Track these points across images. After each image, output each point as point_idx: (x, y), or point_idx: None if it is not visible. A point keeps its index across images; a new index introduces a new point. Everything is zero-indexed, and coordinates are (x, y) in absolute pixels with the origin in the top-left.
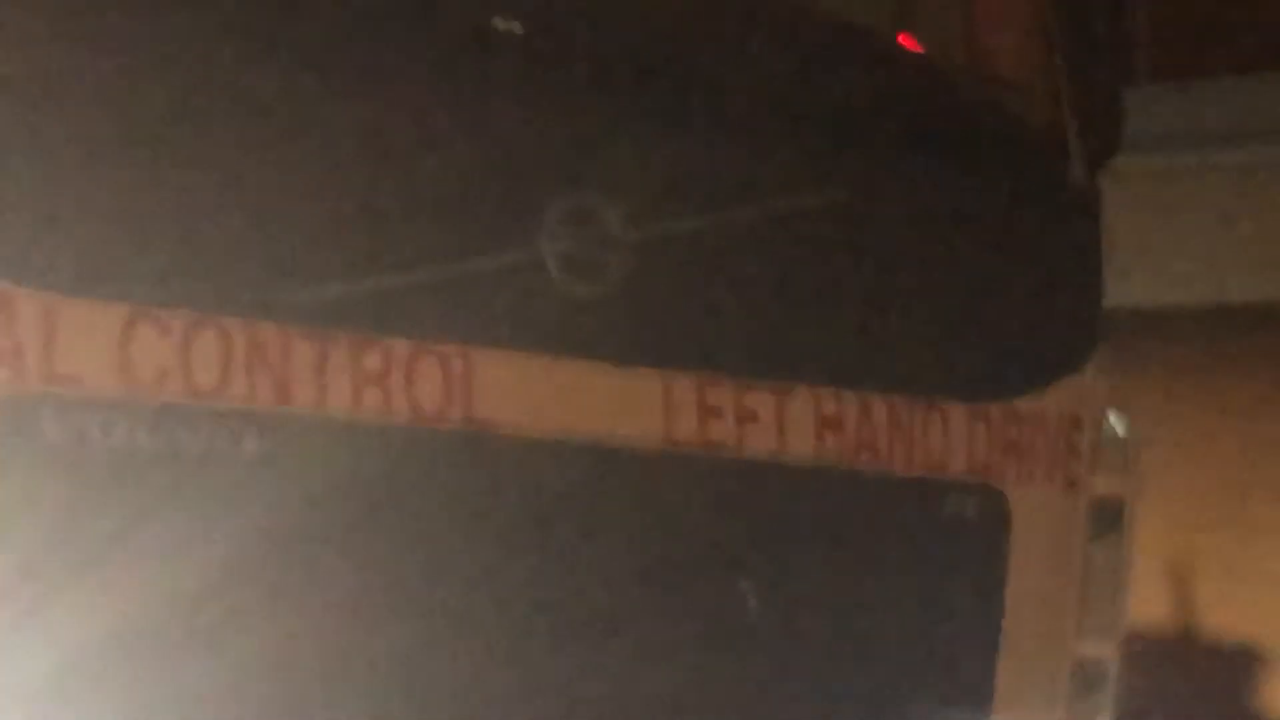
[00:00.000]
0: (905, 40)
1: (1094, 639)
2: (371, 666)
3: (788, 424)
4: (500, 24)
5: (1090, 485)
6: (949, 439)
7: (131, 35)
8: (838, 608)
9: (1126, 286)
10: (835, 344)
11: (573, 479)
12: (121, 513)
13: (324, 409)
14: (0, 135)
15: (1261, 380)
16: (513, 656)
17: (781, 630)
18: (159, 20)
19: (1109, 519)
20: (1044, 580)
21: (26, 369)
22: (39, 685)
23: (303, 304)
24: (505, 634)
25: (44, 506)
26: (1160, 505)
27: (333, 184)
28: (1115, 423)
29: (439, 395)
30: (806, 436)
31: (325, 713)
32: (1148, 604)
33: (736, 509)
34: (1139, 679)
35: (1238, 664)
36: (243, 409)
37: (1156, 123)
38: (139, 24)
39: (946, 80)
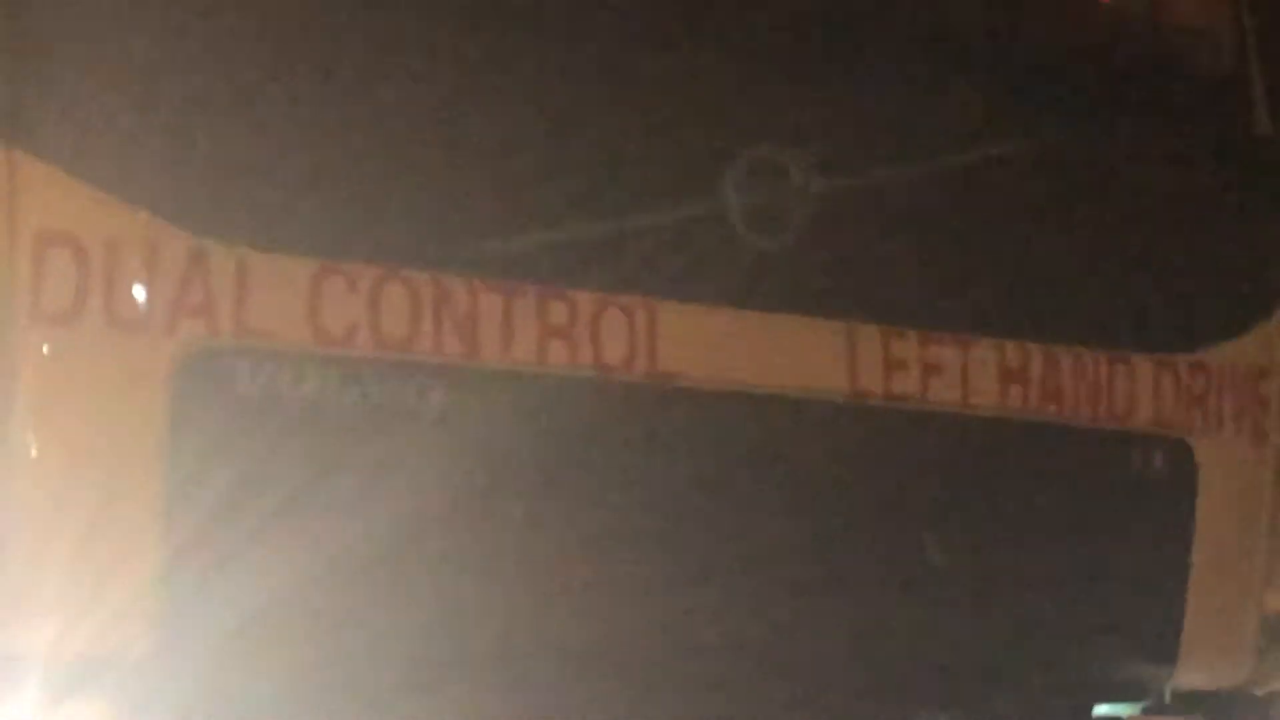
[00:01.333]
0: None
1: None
2: (551, 611)
3: (972, 375)
4: None
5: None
6: (1135, 391)
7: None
8: (1022, 559)
9: None
10: (1020, 295)
11: (757, 430)
12: (311, 462)
13: (509, 361)
14: (199, 98)
15: None
16: (693, 603)
17: (965, 581)
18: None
19: None
20: (1232, 533)
21: (220, 323)
22: (231, 625)
23: (489, 257)
24: (687, 580)
25: (237, 455)
26: None
27: (520, 140)
28: None
29: (623, 347)
30: (991, 388)
31: (512, 653)
32: None
33: (921, 460)
34: None
35: None
36: (430, 361)
37: None
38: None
39: (1134, 30)
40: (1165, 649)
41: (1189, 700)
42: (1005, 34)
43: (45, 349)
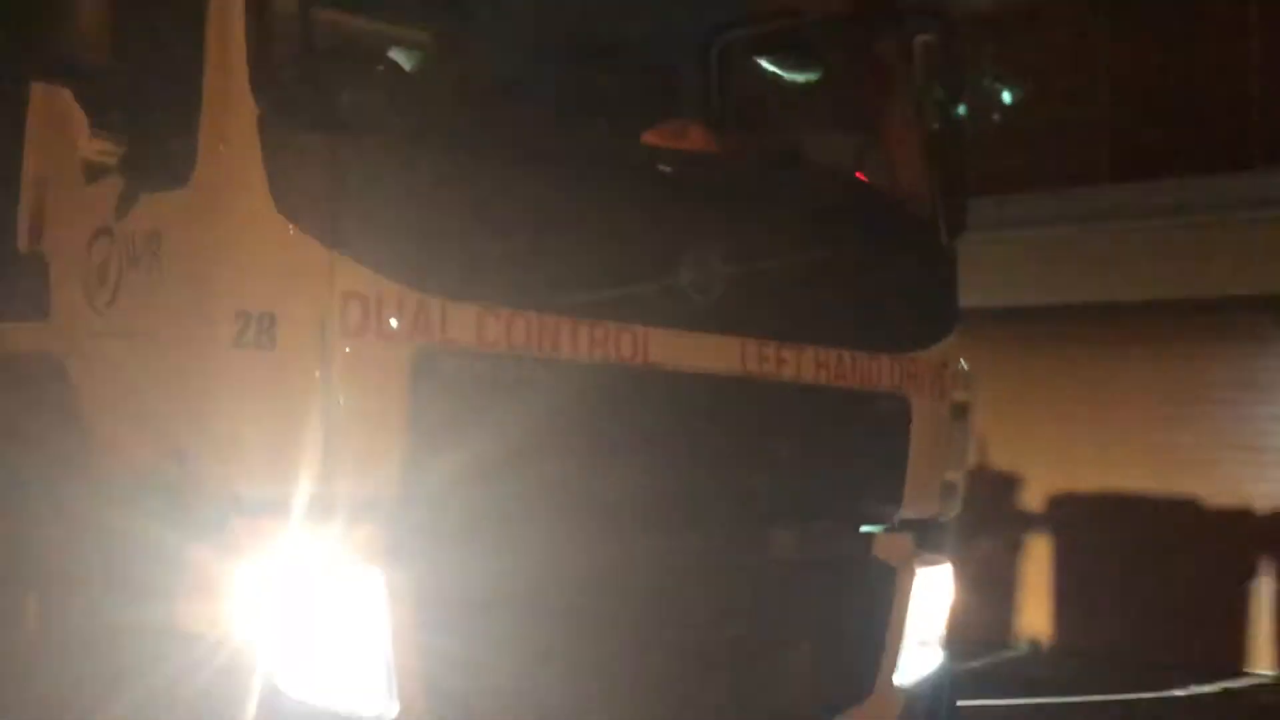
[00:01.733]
0: (860, 176)
1: (951, 470)
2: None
3: (802, 363)
4: (663, 169)
5: (951, 396)
6: (883, 371)
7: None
8: (825, 452)
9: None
10: (828, 325)
11: (696, 390)
12: (478, 403)
13: (576, 356)
14: (424, 231)
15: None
16: (672, 485)
17: (794, 464)
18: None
19: (960, 409)
20: (929, 438)
21: (432, 336)
22: (436, 482)
23: (573, 301)
24: (669, 467)
25: (442, 400)
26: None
27: (584, 242)
28: (963, 364)
29: (631, 349)
30: (812, 370)
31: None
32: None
33: (774, 404)
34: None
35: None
36: (535, 356)
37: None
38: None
39: (879, 195)
40: (895, 499)
41: (907, 523)
42: (826, 200)
43: (347, 349)
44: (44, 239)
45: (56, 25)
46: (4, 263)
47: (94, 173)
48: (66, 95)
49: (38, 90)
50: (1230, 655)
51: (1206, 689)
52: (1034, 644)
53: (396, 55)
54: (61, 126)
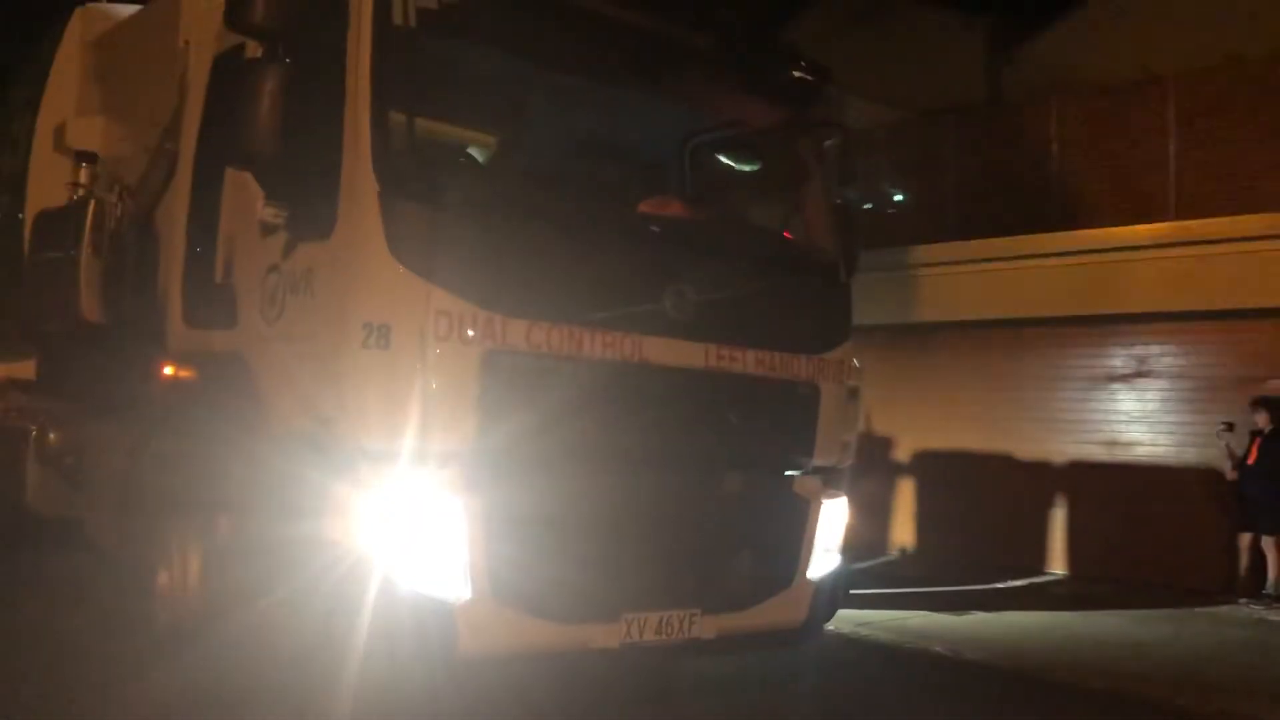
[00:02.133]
0: (786, 234)
1: (847, 433)
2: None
3: (748, 360)
4: (654, 228)
5: (847, 383)
6: (801, 367)
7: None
8: (760, 420)
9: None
10: (764, 334)
11: (676, 379)
12: (529, 387)
13: (593, 355)
14: (488, 263)
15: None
16: (658, 443)
17: (739, 428)
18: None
19: (853, 392)
20: (832, 411)
21: (496, 342)
22: (504, 438)
23: (591, 318)
24: (656, 431)
25: (503, 387)
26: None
27: (598, 277)
28: (855, 362)
29: (632, 350)
30: (753, 365)
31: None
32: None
33: (727, 386)
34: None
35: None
36: (566, 355)
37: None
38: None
39: (799, 247)
40: (809, 453)
41: (816, 469)
42: (759, 252)
43: (438, 350)
44: (233, 274)
45: (242, 130)
46: (209, 291)
47: (267, 229)
48: (249, 177)
49: (230, 174)
50: (1034, 560)
51: (1017, 583)
52: (901, 551)
53: (472, 151)
54: (245, 198)
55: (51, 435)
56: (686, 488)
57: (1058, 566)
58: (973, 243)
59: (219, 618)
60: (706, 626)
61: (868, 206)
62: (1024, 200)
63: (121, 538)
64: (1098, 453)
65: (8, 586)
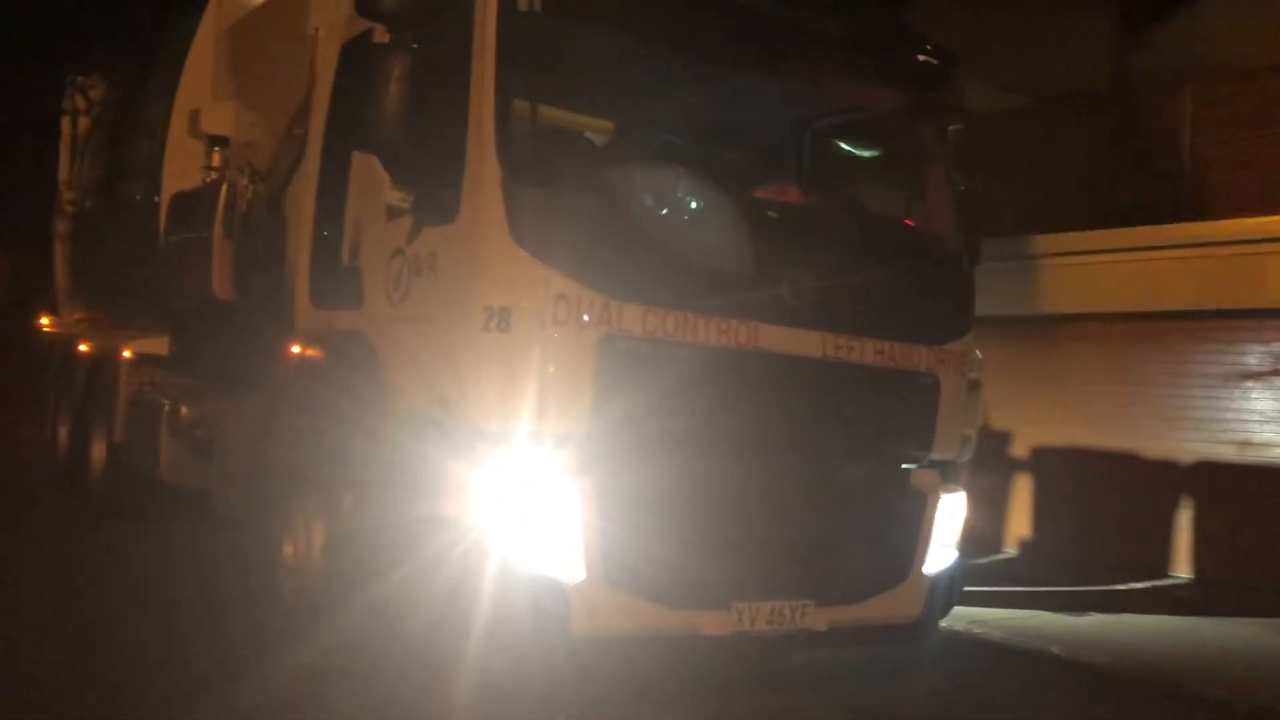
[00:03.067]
0: (908, 222)
1: (967, 427)
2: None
3: (867, 350)
4: (771, 214)
5: (968, 375)
6: (922, 357)
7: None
8: (885, 411)
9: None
10: (883, 324)
11: (795, 367)
12: (641, 373)
13: (708, 341)
14: (606, 260)
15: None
16: (773, 431)
17: (864, 420)
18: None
19: (974, 385)
20: (952, 404)
21: (611, 327)
22: (613, 422)
23: (707, 304)
24: (771, 418)
25: (618, 370)
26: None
27: (715, 263)
28: (977, 353)
29: (748, 337)
30: (872, 355)
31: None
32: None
33: (846, 379)
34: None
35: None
36: (681, 341)
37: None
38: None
39: (920, 234)
40: (927, 446)
41: (934, 463)
42: (885, 239)
43: (556, 334)
44: (359, 256)
45: (369, 115)
46: (335, 272)
47: (393, 213)
48: (375, 161)
49: (357, 158)
50: (1157, 562)
51: (1139, 585)
52: (1017, 549)
53: (592, 136)
54: (372, 183)
55: (183, 409)
56: (801, 477)
57: (1182, 569)
58: (1100, 232)
59: (343, 591)
60: (819, 618)
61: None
62: (1154, 189)
63: (249, 510)
64: (1229, 453)
65: (139, 557)
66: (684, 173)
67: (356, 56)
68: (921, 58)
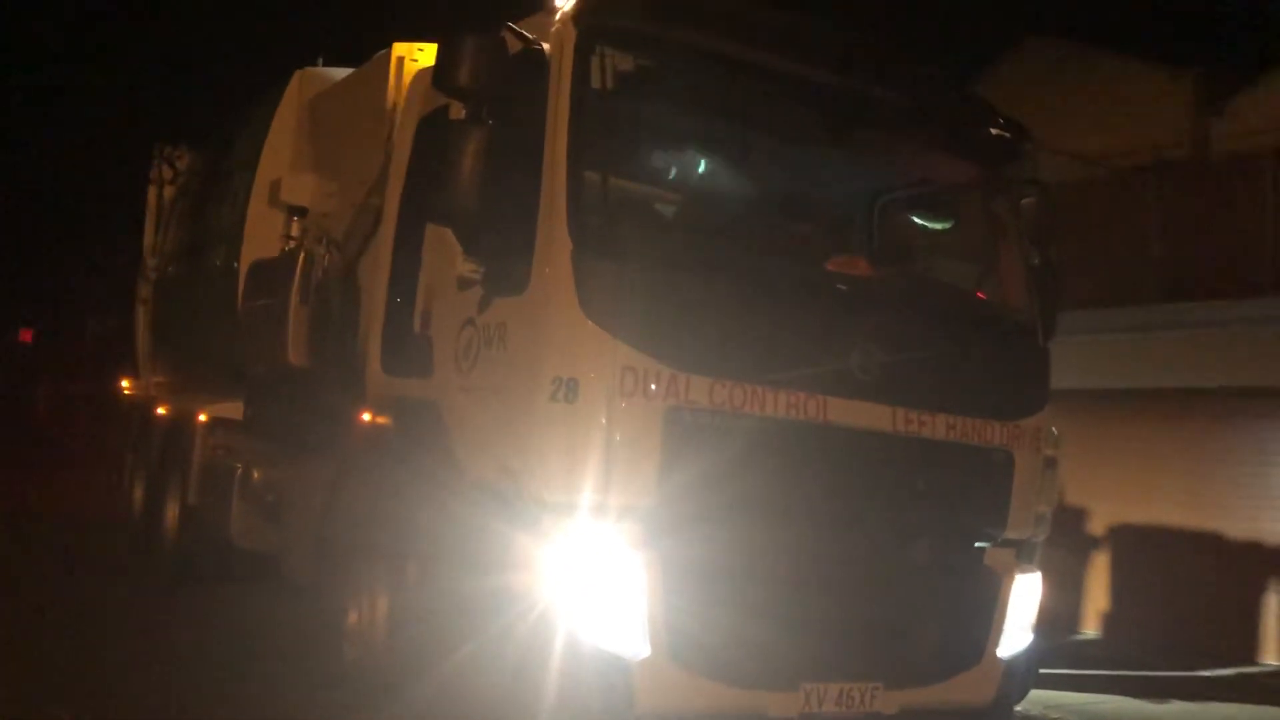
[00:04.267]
0: (980, 294)
1: (1042, 505)
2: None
3: (938, 425)
4: (841, 287)
5: (1044, 451)
6: (994, 432)
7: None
8: (955, 490)
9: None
10: (956, 398)
11: (865, 441)
12: (708, 444)
13: (776, 414)
14: (670, 334)
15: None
16: (842, 506)
17: (931, 500)
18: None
19: (1050, 462)
20: (1027, 481)
21: (679, 399)
22: (678, 488)
23: (776, 377)
24: (840, 493)
25: (684, 443)
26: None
27: (784, 335)
28: (1053, 429)
29: (816, 411)
30: (944, 430)
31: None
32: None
33: (917, 454)
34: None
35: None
36: (749, 414)
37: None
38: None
39: (993, 308)
40: (1001, 524)
41: (1009, 541)
42: (956, 314)
43: (623, 405)
44: (431, 325)
45: (444, 187)
46: (407, 341)
47: (464, 284)
48: (448, 233)
49: (431, 230)
50: (1245, 648)
51: (1225, 672)
52: (1097, 630)
53: (661, 208)
54: (444, 254)
55: (255, 474)
56: (871, 555)
57: (1271, 656)
58: (1179, 305)
59: (406, 663)
60: (889, 701)
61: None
62: (1236, 262)
63: (315, 576)
64: None
65: (207, 622)
66: (753, 245)
67: (432, 130)
68: (994, 130)
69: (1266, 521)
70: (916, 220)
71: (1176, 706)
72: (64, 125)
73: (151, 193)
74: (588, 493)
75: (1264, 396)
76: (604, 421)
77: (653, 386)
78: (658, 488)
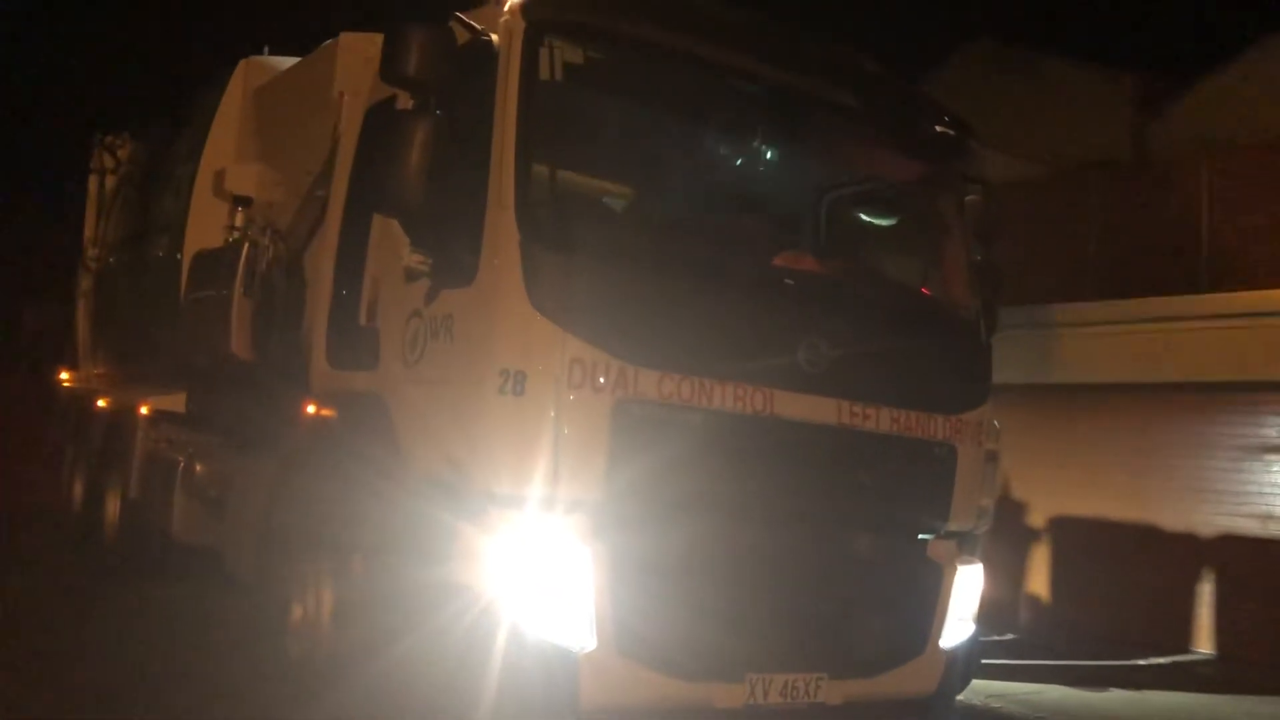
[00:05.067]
0: (925, 290)
1: (984, 498)
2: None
3: (883, 418)
4: (788, 281)
5: (985, 445)
6: (938, 426)
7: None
8: (900, 479)
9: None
10: (899, 392)
11: (810, 434)
12: (655, 437)
13: (723, 407)
14: (623, 327)
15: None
16: (786, 499)
17: (874, 491)
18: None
19: (991, 455)
20: (968, 474)
21: (627, 392)
22: (627, 482)
23: (723, 370)
24: (784, 486)
25: (632, 436)
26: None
27: (731, 329)
28: (995, 423)
29: (763, 404)
30: (887, 423)
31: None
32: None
33: (860, 447)
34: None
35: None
36: (696, 407)
37: None
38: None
39: (937, 303)
40: (943, 516)
41: (951, 533)
42: (904, 307)
43: (571, 397)
44: (377, 318)
45: (391, 178)
46: (352, 333)
47: (411, 275)
48: (395, 224)
49: (377, 221)
50: (1178, 637)
51: (1160, 660)
52: (1036, 622)
53: (610, 201)
54: (391, 245)
55: (198, 467)
56: (816, 547)
57: (1204, 645)
58: (1119, 303)
59: (351, 656)
60: (833, 692)
61: (1006, 263)
62: (1172, 260)
63: (258, 571)
64: (1251, 526)
65: (149, 617)
66: (701, 239)
67: (380, 121)
68: (939, 128)
69: (1199, 514)
70: (863, 216)
71: (1115, 695)
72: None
73: (92, 182)
74: (535, 485)
75: (1197, 391)
76: (552, 414)
77: (601, 379)
78: (606, 481)
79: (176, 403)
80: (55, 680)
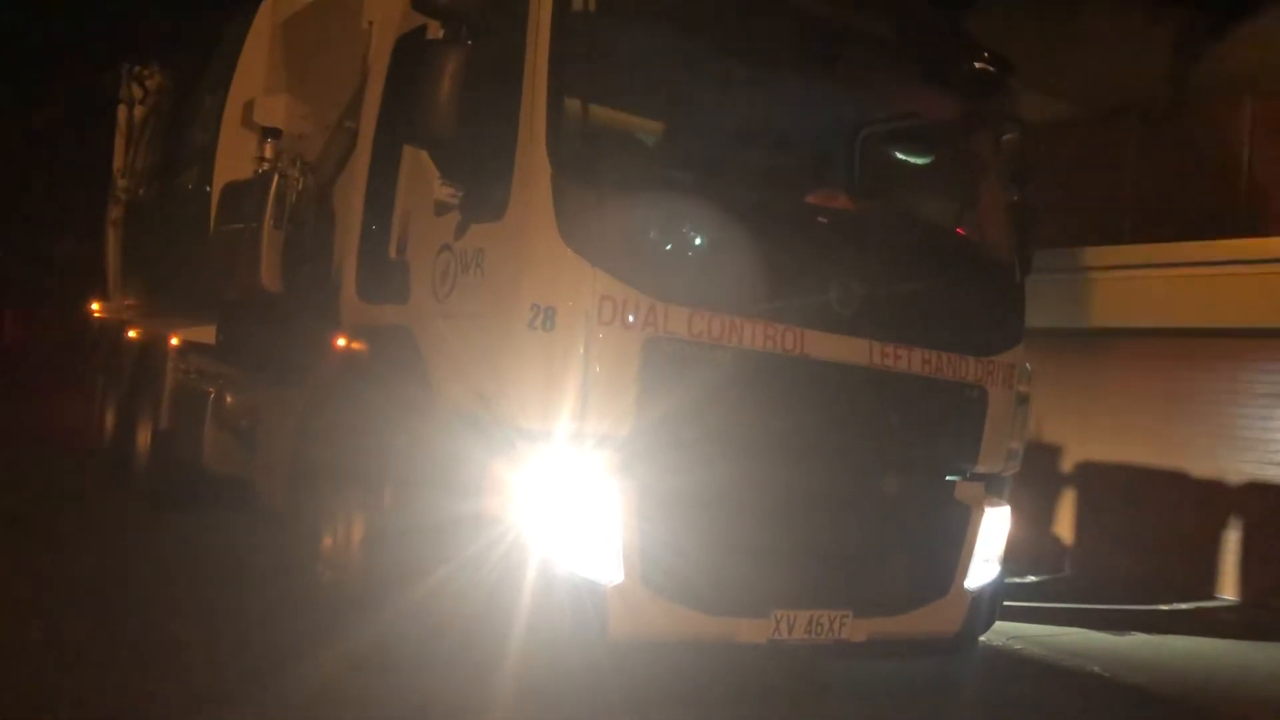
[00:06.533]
0: (959, 231)
1: (1014, 440)
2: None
3: (914, 359)
4: (821, 220)
5: (1016, 388)
6: (970, 368)
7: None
8: (927, 420)
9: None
10: (931, 333)
11: (841, 374)
12: (686, 374)
13: (754, 346)
14: (651, 263)
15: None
16: (816, 438)
17: (906, 428)
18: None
19: (1022, 398)
20: (999, 417)
21: (657, 329)
22: (654, 421)
23: (753, 309)
24: (815, 425)
25: (664, 372)
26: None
27: (763, 268)
28: (1027, 366)
29: (794, 343)
30: (919, 365)
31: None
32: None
33: (891, 388)
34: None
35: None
36: (727, 345)
37: None
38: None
39: (971, 244)
40: (972, 458)
41: (979, 475)
42: (939, 248)
43: (601, 334)
44: (407, 251)
45: (421, 110)
46: (382, 266)
47: (441, 209)
48: (425, 156)
49: (408, 153)
50: (1203, 583)
51: (1183, 606)
52: (1061, 565)
53: (643, 136)
54: (421, 177)
55: (228, 398)
56: (844, 486)
57: (1229, 592)
58: (1154, 246)
59: (381, 587)
60: (857, 629)
61: (1041, 204)
62: (1210, 204)
63: (289, 501)
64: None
65: (183, 547)
66: (734, 176)
67: (410, 52)
68: (977, 65)
69: (1229, 460)
70: (898, 154)
71: (1137, 638)
72: (28, 37)
73: (121, 112)
74: (564, 421)
75: (1230, 336)
76: (581, 350)
77: (631, 316)
78: (634, 417)
79: (207, 334)
80: (82, 608)
